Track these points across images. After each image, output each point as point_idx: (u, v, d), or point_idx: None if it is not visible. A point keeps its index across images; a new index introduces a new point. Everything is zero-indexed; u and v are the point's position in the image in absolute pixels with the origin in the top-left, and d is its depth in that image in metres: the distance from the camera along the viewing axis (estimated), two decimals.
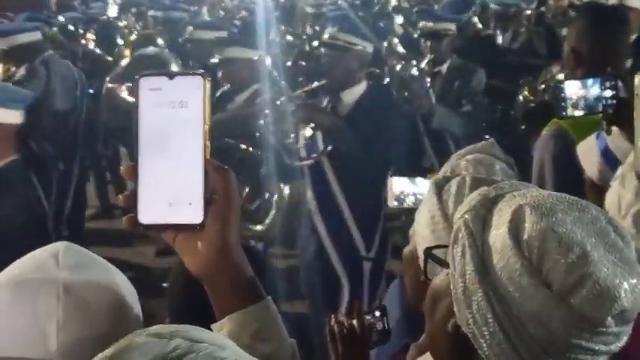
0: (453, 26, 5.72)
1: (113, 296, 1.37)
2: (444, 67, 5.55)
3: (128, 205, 1.07)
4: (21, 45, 5.00)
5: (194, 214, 1.07)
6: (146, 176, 1.07)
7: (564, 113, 2.31)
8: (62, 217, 5.11)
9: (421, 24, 6.22)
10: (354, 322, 2.04)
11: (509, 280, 1.07)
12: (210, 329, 1.11)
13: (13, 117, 3.42)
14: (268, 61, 5.59)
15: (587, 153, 2.43)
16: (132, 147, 1.08)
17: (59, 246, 1.42)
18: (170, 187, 1.07)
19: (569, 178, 2.65)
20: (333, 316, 2.08)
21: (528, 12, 8.08)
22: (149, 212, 1.07)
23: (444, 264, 1.19)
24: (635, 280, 1.06)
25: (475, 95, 5.43)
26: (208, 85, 1.07)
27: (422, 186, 2.69)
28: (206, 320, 1.12)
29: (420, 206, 1.60)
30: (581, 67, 3.08)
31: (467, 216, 1.13)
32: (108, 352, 0.84)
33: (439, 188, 1.56)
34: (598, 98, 2.24)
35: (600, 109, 2.24)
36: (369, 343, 2.05)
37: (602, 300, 1.04)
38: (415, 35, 7.34)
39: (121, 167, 1.09)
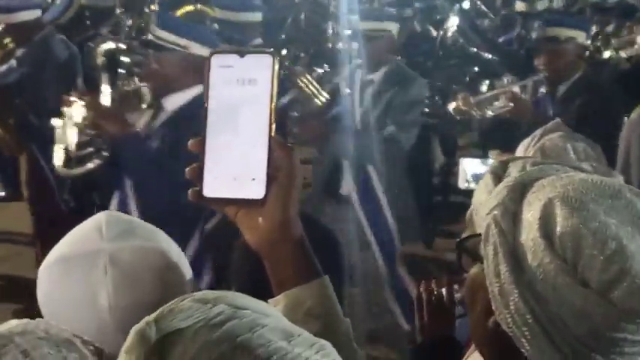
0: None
1: (160, 261, 1.41)
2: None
3: (193, 179, 1.09)
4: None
5: (257, 190, 1.08)
6: (213, 151, 1.09)
7: None
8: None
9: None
10: (443, 291, 2.01)
11: (545, 280, 1.04)
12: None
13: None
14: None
15: None
16: (201, 122, 1.10)
17: (102, 217, 1.45)
18: (235, 162, 1.09)
19: None
20: (423, 282, 2.06)
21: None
22: (214, 186, 1.09)
23: (478, 257, 1.15)
24: None
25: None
26: (277, 64, 1.09)
27: None
28: (269, 296, 1.15)
29: (476, 193, 1.49)
30: None
31: (496, 212, 1.10)
32: (152, 316, 0.86)
33: (498, 175, 1.52)
34: None
35: None
36: (455, 314, 2.01)
37: None
38: None
39: (190, 142, 1.10)
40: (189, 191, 1.10)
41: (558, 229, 1.04)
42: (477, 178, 2.90)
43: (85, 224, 1.47)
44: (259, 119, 1.08)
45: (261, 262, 1.17)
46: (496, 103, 4.36)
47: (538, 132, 1.98)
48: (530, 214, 1.07)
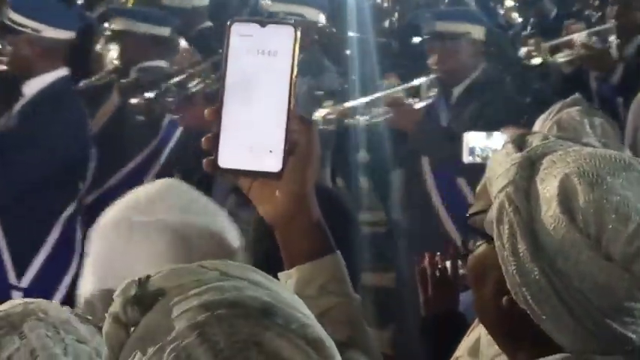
0: None
1: (217, 242, 1.40)
2: None
3: (209, 148, 1.07)
4: None
5: (274, 163, 1.07)
6: (230, 121, 1.07)
7: None
8: None
9: None
10: (448, 264, 2.01)
11: (567, 256, 1.04)
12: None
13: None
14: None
15: None
16: (220, 90, 1.08)
17: (164, 184, 1.48)
18: (253, 133, 1.07)
19: None
20: (427, 255, 2.06)
21: None
22: (229, 156, 1.07)
23: (486, 237, 1.14)
24: None
25: None
26: (299, 36, 1.07)
27: (498, 141, 2.61)
28: (278, 269, 1.14)
29: (493, 164, 1.47)
30: None
31: (509, 189, 1.08)
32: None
33: (519, 145, 1.44)
34: None
35: None
36: (459, 287, 2.03)
37: None
38: None
39: (206, 110, 1.09)
40: (204, 161, 1.08)
41: (579, 204, 1.04)
42: (482, 152, 2.89)
43: (146, 189, 1.48)
44: (279, 91, 1.06)
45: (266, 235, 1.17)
46: None
47: (557, 106, 1.99)
48: (547, 190, 1.06)
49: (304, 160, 1.10)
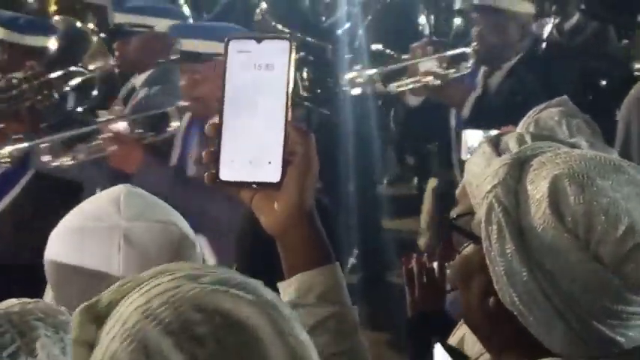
0: None
1: (173, 241, 1.42)
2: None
3: (210, 162, 1.10)
4: None
5: (273, 173, 1.10)
6: (230, 135, 1.10)
7: None
8: None
9: None
10: (435, 264, 2.01)
11: (556, 257, 1.04)
12: (274, 281, 1.14)
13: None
14: None
15: None
16: (219, 106, 1.12)
17: (120, 191, 1.47)
18: (252, 146, 1.10)
19: None
20: (415, 256, 2.06)
21: None
22: (230, 169, 1.10)
23: (473, 237, 1.13)
24: None
25: None
26: (294, 50, 1.10)
27: None
28: (270, 269, 1.16)
29: (470, 166, 1.48)
30: None
31: (498, 190, 1.09)
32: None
33: (495, 145, 1.45)
34: None
35: None
36: (446, 287, 2.02)
37: None
38: None
39: (206, 125, 1.11)
40: (205, 175, 1.11)
41: (569, 205, 1.04)
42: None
43: (101, 196, 1.50)
44: (276, 103, 1.09)
45: (266, 237, 1.17)
46: None
47: (542, 105, 1.99)
48: (537, 191, 1.06)
49: (302, 171, 1.11)
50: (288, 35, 1.17)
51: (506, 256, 1.06)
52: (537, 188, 1.06)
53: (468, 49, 3.67)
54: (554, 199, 1.04)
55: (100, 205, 1.45)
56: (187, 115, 3.07)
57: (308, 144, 1.12)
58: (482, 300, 1.12)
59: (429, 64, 3.61)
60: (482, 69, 3.68)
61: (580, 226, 1.03)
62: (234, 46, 1.11)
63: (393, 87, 3.67)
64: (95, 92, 3.53)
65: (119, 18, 3.53)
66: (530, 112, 1.98)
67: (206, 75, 2.86)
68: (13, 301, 1.13)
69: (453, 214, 1.20)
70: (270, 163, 1.09)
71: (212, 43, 2.87)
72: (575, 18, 4.85)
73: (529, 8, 3.73)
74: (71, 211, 1.48)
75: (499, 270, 1.07)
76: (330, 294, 1.16)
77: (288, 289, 1.16)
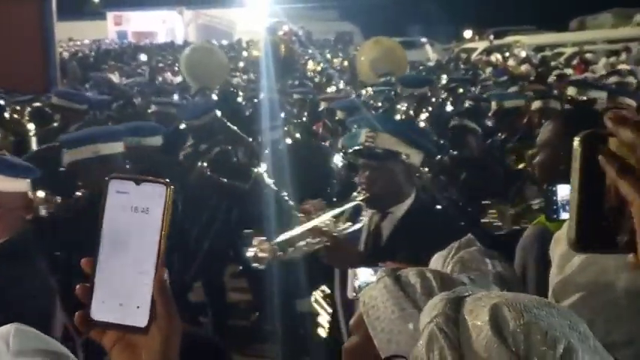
0: None
1: None
2: None
3: (83, 299, 1.10)
4: None
5: (140, 318, 1.09)
6: (102, 274, 1.10)
7: (555, 216, 2.29)
8: None
9: None
10: None
11: None
12: None
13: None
14: None
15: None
16: (95, 244, 1.11)
17: (10, 329, 1.46)
18: (123, 288, 1.10)
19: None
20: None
21: None
22: (101, 309, 1.10)
23: None
24: None
25: None
26: (170, 194, 1.11)
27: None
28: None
29: (370, 298, 1.47)
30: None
31: (438, 319, 1.16)
32: None
33: (396, 280, 1.49)
34: None
35: None
36: None
37: None
38: None
39: (82, 260, 1.11)
40: (77, 314, 1.09)
41: (510, 327, 1.11)
42: (366, 286, 2.76)
43: None
44: (148, 248, 1.10)
45: None
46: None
47: (455, 245, 1.93)
48: (477, 318, 1.14)
49: (164, 329, 1.11)
50: (166, 180, 1.12)
51: None
52: (478, 316, 1.14)
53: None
54: (494, 323, 1.12)
55: None
56: None
57: (168, 308, 1.11)
58: None
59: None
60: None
61: (520, 346, 1.10)
62: (114, 185, 1.11)
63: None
64: None
65: None
66: (445, 251, 1.89)
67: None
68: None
69: (346, 345, 1.24)
70: (138, 307, 1.09)
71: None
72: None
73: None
74: None
75: None
76: None
77: None
